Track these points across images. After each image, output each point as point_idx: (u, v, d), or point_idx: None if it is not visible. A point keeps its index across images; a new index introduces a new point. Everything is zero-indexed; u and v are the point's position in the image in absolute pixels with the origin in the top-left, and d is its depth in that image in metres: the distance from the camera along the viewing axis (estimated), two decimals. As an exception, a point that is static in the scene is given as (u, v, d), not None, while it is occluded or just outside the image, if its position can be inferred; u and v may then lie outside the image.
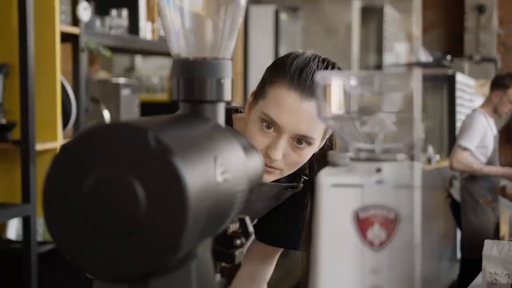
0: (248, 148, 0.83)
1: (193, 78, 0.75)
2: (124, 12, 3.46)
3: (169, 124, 0.66)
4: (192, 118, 0.73)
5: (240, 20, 0.80)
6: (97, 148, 0.59)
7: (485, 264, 1.81)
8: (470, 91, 7.15)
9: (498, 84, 4.54)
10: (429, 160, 5.76)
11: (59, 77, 2.69)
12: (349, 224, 0.66)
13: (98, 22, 3.30)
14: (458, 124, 6.88)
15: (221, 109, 0.78)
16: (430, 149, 6.18)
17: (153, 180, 0.58)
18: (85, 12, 2.89)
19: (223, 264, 0.90)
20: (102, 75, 4.73)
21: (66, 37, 2.90)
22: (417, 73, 0.63)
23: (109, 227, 0.59)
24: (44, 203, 0.61)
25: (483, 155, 4.57)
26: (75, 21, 2.93)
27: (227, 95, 0.78)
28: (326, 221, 0.66)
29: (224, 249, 0.84)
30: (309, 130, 1.24)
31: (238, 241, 0.85)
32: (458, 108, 6.80)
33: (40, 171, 2.59)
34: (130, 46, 3.54)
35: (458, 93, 6.75)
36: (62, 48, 2.81)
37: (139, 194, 0.58)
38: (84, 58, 2.96)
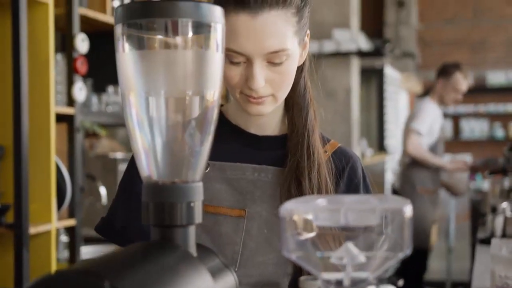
0: (220, 269, 0.81)
1: (163, 203, 0.75)
2: (121, 89, 3.48)
3: (130, 263, 0.64)
4: (160, 247, 0.72)
5: (210, 139, 0.79)
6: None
7: (494, 266, 1.56)
8: (396, 84, 7.27)
9: (441, 72, 4.61)
10: (362, 155, 5.70)
11: (53, 158, 2.69)
12: None
13: (95, 99, 3.32)
14: (386, 118, 6.89)
15: (191, 232, 0.77)
16: (364, 143, 6.09)
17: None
18: (80, 92, 2.91)
19: None
20: (105, 143, 4.73)
21: (62, 117, 2.92)
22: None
23: None
24: None
25: (427, 142, 4.51)
26: (71, 100, 2.95)
27: (198, 218, 0.77)
28: None
29: None
30: (276, 43, 1.15)
31: None
32: (384, 102, 6.84)
33: (34, 255, 2.57)
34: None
35: (385, 86, 6.82)
36: (57, 127, 2.83)
37: None
38: (79, 137, 2.97)
